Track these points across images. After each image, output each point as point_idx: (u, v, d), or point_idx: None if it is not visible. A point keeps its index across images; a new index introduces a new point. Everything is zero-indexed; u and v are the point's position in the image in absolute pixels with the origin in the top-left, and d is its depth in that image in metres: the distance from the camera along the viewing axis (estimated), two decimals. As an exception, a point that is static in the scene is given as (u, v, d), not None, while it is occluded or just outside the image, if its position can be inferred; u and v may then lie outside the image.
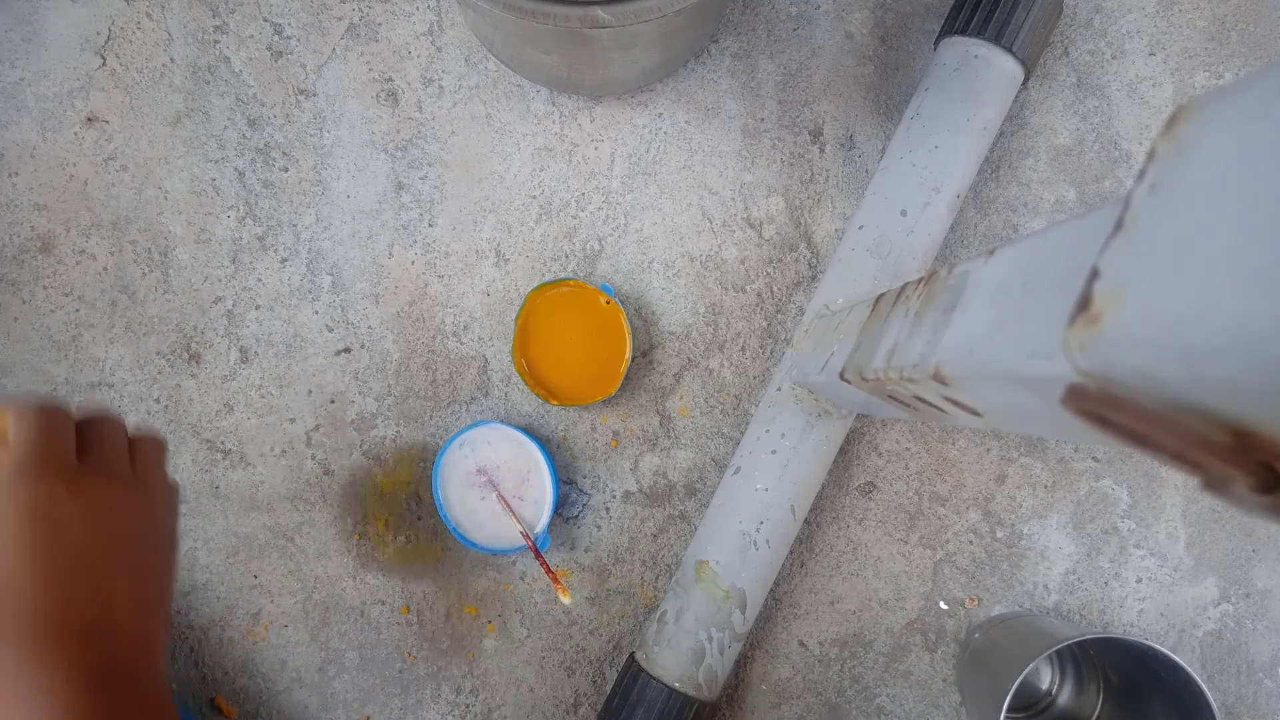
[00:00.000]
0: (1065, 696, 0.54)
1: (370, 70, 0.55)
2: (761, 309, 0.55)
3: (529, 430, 0.53)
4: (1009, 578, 0.55)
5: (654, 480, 0.55)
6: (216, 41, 0.55)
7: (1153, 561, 0.55)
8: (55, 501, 0.33)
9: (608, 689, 0.53)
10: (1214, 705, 0.44)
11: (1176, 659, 0.44)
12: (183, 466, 0.54)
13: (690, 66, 0.55)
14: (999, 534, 0.55)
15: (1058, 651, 0.55)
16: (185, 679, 0.54)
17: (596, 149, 0.55)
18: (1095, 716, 0.53)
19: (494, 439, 0.51)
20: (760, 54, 0.56)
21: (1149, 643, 0.45)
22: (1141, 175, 0.18)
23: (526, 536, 0.50)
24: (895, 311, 0.35)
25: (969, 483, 0.55)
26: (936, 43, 0.53)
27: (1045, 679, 0.55)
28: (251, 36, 0.55)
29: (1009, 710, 0.47)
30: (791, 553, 0.54)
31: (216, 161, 0.54)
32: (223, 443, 0.54)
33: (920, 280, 0.34)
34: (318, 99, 0.55)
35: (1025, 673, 0.45)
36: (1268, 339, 0.13)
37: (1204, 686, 0.44)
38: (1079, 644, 0.53)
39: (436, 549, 0.54)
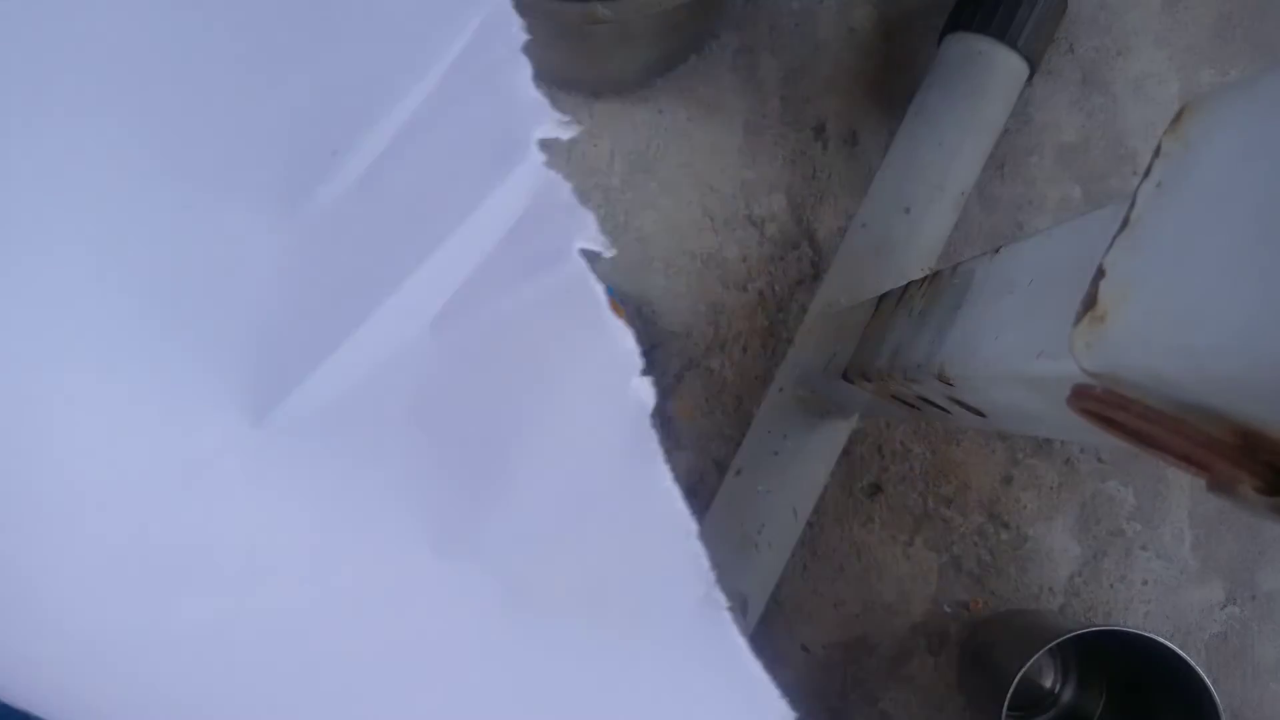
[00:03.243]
0: (1069, 694, 0.54)
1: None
2: (763, 308, 0.55)
3: (530, 430, 0.52)
4: (1014, 580, 0.54)
5: (655, 480, 0.54)
6: (216, 40, 0.54)
7: (1158, 563, 0.54)
8: None
9: (609, 690, 0.53)
10: (1218, 699, 0.43)
11: (1179, 652, 0.44)
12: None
13: (691, 62, 0.55)
14: (1004, 536, 0.55)
15: (1060, 648, 0.54)
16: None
17: (596, 146, 0.55)
18: (1099, 714, 0.52)
19: (494, 439, 0.51)
20: (762, 50, 0.55)
21: (1152, 636, 0.44)
22: (1147, 173, 0.18)
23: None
24: (899, 311, 0.34)
25: (974, 484, 0.55)
26: (940, 39, 0.52)
27: (1048, 677, 0.55)
28: (252, 35, 0.55)
29: (1011, 708, 0.46)
30: (794, 555, 0.54)
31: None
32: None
33: (924, 279, 0.34)
34: (318, 97, 0.55)
35: (1026, 668, 0.45)
36: (1275, 338, 0.13)
37: (1207, 679, 0.44)
38: (1082, 640, 0.52)
39: (437, 549, 0.54)
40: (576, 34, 0.42)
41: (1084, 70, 0.55)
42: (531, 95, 0.21)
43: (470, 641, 0.21)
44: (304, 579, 0.20)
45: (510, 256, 0.21)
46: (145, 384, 0.20)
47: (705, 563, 0.21)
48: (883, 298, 0.39)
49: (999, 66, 0.49)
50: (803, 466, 0.48)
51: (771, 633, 0.54)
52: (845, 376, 0.38)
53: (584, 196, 0.55)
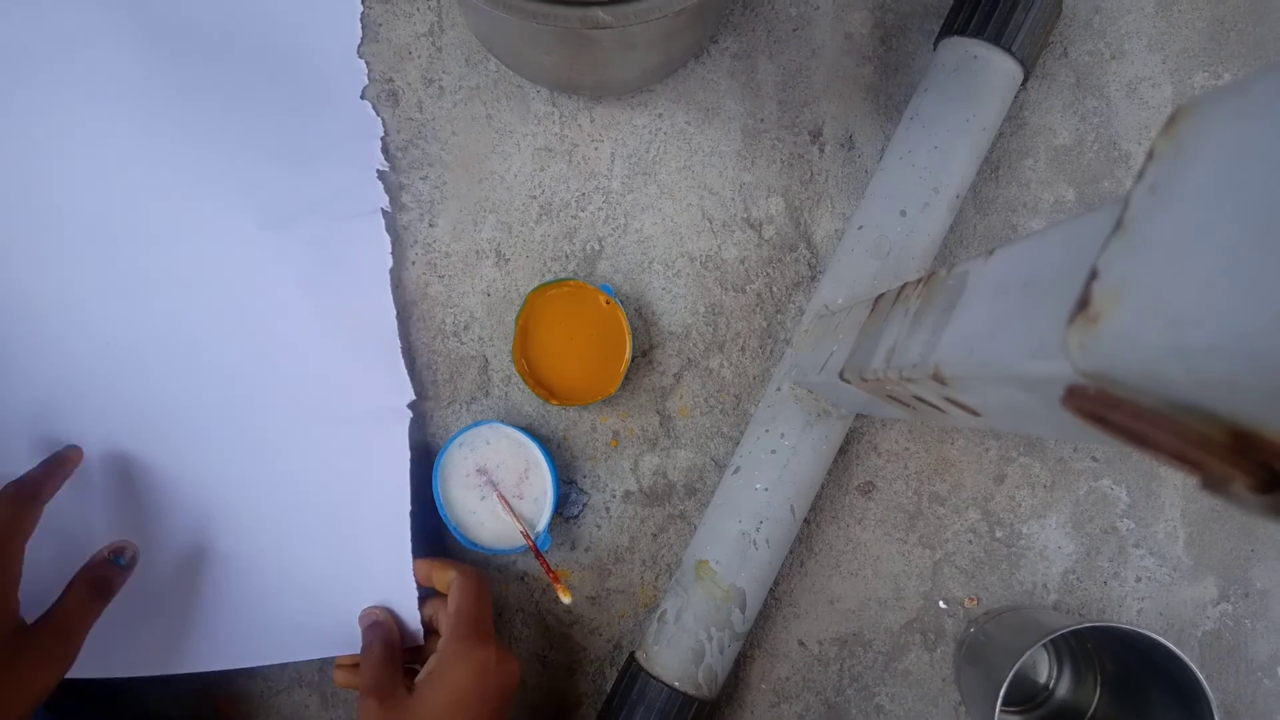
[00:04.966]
0: (1063, 689, 0.55)
1: (371, 71, 0.55)
2: (761, 309, 0.55)
3: (529, 430, 0.53)
4: (1008, 577, 0.55)
5: (654, 480, 0.55)
6: (216, 42, 0.54)
7: (1152, 561, 0.55)
8: (489, 664, 0.44)
9: (608, 688, 0.53)
10: (1210, 693, 0.44)
11: (1172, 648, 0.44)
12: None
13: (690, 67, 0.55)
14: (998, 533, 0.55)
15: (1055, 644, 0.55)
16: (185, 679, 0.54)
17: (596, 149, 0.55)
18: (1093, 709, 0.53)
19: (494, 439, 0.51)
20: (760, 54, 0.56)
21: (1145, 631, 0.45)
22: (1141, 175, 0.18)
23: (527, 536, 0.50)
24: (894, 311, 0.35)
25: (968, 482, 0.55)
26: (936, 43, 0.53)
27: (1043, 672, 0.55)
28: (251, 37, 0.55)
29: (1006, 704, 0.47)
30: (791, 552, 0.54)
31: (217, 161, 0.54)
32: (223, 443, 0.54)
33: (919, 280, 0.34)
34: (318, 99, 0.55)
35: (1020, 663, 0.45)
36: (1267, 339, 0.13)
37: (1199, 674, 0.44)
38: (1076, 636, 0.53)
39: (437, 549, 0.54)
40: (578, 40, 0.42)
41: (1078, 74, 0.56)
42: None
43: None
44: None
45: None
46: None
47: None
48: (879, 298, 0.39)
49: (994, 70, 0.50)
50: (800, 465, 0.49)
51: (769, 628, 0.54)
52: (842, 376, 0.38)
53: (585, 198, 0.56)
